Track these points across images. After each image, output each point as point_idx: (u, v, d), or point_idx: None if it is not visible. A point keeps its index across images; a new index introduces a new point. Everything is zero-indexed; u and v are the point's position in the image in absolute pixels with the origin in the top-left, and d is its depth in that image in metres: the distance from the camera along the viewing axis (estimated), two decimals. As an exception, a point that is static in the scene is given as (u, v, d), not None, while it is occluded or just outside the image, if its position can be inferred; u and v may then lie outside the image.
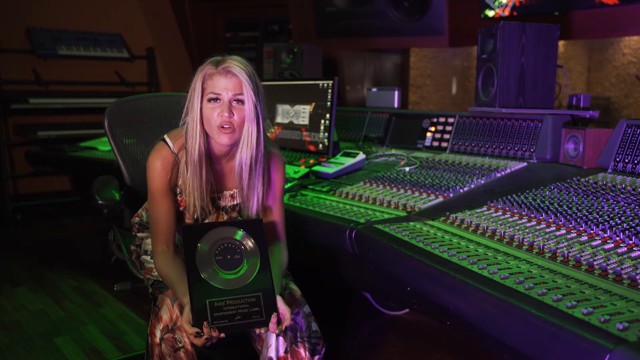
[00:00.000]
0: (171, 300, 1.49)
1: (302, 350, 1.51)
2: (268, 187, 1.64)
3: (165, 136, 1.58)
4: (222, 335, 1.32)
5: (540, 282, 1.17)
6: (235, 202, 1.66)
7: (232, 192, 1.65)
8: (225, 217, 1.68)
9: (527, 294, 1.11)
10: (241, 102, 1.48)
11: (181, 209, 1.63)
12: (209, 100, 1.47)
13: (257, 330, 1.38)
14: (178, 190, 1.60)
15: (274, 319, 1.35)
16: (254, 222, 1.46)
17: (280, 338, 1.50)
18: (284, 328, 1.38)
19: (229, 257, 1.38)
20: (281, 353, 1.50)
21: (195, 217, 1.61)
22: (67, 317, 2.68)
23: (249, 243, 1.42)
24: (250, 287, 1.36)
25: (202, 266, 1.35)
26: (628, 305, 1.04)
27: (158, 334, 1.46)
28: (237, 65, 1.47)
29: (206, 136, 1.53)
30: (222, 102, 1.47)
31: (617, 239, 1.34)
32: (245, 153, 1.53)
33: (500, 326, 1.15)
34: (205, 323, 1.30)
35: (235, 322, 1.32)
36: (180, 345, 1.45)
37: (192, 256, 1.36)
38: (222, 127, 1.47)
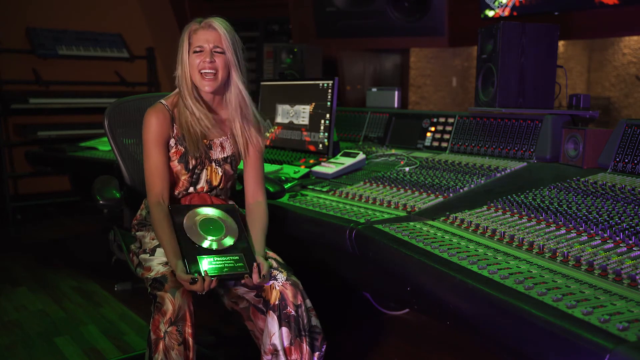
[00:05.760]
0: (171, 294, 1.51)
1: (304, 345, 1.58)
2: (250, 145, 1.81)
3: (161, 100, 1.80)
4: (214, 282, 1.50)
5: (540, 282, 1.17)
6: (225, 155, 1.82)
7: (221, 140, 1.80)
8: (219, 171, 1.81)
9: (527, 294, 1.12)
10: (221, 52, 1.71)
11: (176, 160, 1.75)
12: (194, 52, 1.71)
13: (243, 280, 1.57)
14: (173, 142, 1.75)
15: (255, 268, 1.55)
16: (229, 207, 1.74)
17: (284, 328, 1.55)
18: (264, 273, 1.56)
19: (211, 227, 1.65)
20: (286, 344, 1.56)
21: (191, 166, 1.75)
22: (67, 317, 2.68)
23: (227, 219, 1.69)
24: (232, 250, 1.62)
25: (190, 233, 1.61)
26: (628, 305, 1.04)
27: (162, 327, 1.48)
28: (216, 21, 1.72)
29: (193, 84, 1.75)
30: (205, 52, 1.70)
31: (617, 239, 1.35)
32: (234, 94, 1.76)
33: (500, 326, 1.15)
34: (199, 277, 1.50)
35: (223, 274, 1.55)
36: (182, 339, 1.48)
37: (180, 228, 1.62)
38: (205, 74, 1.70)
